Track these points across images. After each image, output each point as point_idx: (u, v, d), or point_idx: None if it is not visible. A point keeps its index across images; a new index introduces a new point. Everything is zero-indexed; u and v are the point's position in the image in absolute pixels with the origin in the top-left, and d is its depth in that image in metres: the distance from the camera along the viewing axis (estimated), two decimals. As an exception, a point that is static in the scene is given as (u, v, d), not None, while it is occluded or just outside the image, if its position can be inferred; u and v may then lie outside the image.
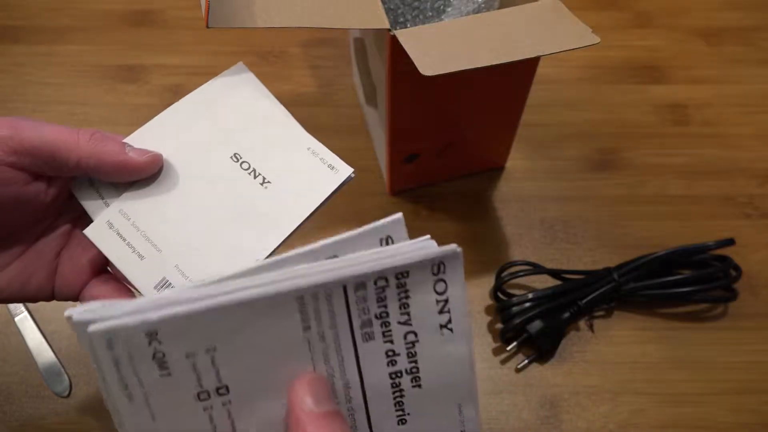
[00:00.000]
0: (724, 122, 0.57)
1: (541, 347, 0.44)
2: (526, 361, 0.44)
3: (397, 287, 0.23)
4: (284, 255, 0.25)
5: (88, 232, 0.31)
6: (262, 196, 0.32)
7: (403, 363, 0.24)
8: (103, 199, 0.32)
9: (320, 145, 0.33)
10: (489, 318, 0.46)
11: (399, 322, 0.24)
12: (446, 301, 0.24)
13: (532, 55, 0.34)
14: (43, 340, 0.44)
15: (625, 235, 0.50)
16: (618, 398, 0.43)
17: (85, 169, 0.29)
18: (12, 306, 0.45)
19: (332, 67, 0.60)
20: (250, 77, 0.34)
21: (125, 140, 0.31)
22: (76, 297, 0.32)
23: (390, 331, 0.24)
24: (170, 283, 0.31)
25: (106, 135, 0.30)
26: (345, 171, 0.32)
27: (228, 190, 0.32)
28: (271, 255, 0.31)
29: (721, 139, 0.56)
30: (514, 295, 0.45)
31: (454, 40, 0.35)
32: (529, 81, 0.45)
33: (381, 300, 0.23)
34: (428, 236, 0.24)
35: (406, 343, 0.24)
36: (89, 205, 0.32)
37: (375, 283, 0.23)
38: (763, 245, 0.50)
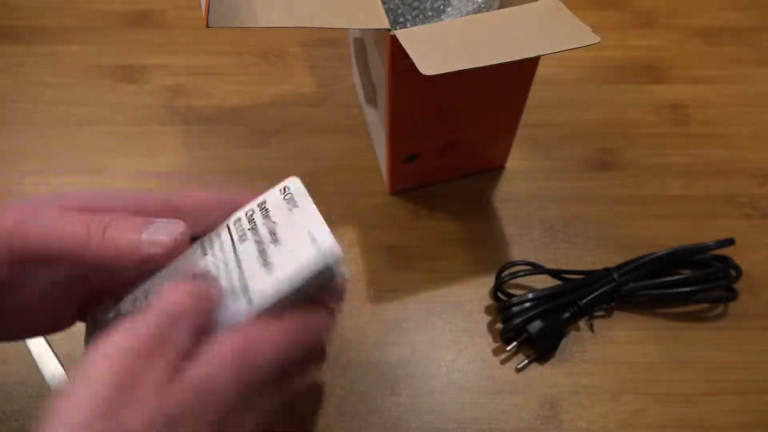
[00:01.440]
0: (724, 122, 0.57)
1: (541, 347, 0.44)
2: (526, 361, 0.44)
3: (261, 211, 0.30)
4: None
5: None
6: None
7: (263, 233, 0.30)
8: None
9: None
10: (489, 318, 0.46)
11: (263, 223, 0.30)
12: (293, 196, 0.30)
13: (532, 55, 0.34)
14: (44, 339, 0.44)
15: (625, 235, 0.50)
16: (618, 398, 0.43)
17: (97, 268, 0.27)
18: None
19: (332, 67, 0.60)
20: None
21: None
22: None
23: (256, 228, 0.30)
24: None
25: (120, 224, 0.26)
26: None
27: None
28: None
29: (721, 139, 0.56)
30: (514, 295, 0.45)
31: (454, 40, 0.35)
32: (529, 81, 0.45)
33: (251, 221, 0.30)
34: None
35: (267, 223, 0.30)
36: None
37: (245, 215, 0.30)
38: (763, 245, 0.50)
